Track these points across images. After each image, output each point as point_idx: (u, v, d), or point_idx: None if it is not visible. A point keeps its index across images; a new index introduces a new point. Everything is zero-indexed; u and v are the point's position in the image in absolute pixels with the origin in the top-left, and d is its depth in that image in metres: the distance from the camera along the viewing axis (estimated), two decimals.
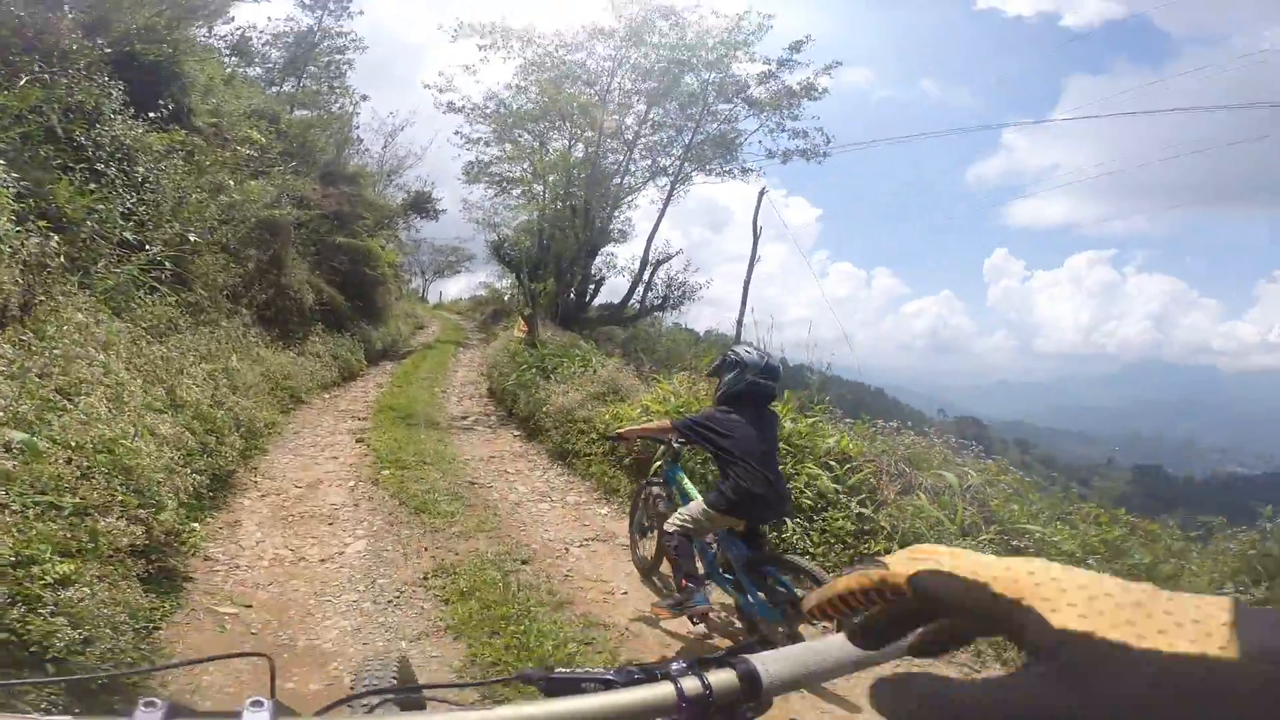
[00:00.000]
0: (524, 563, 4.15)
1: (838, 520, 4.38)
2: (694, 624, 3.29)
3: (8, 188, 3.88)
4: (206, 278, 7.64)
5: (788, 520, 4.39)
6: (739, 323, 11.99)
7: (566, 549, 4.60)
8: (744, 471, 3.02)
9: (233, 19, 12.97)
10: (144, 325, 5.49)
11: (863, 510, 4.43)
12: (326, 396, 9.56)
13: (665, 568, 3.69)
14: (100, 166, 5.82)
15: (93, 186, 5.56)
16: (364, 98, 23.31)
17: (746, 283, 12.80)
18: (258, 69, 18.60)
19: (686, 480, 3.63)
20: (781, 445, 4.34)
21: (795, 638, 2.84)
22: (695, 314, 18.19)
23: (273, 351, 8.87)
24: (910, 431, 5.82)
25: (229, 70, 13.80)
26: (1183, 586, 3.42)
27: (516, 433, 8.38)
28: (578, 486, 6.27)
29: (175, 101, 7.80)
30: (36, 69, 5.03)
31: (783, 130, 15.98)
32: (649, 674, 0.62)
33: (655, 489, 3.89)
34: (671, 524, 3.23)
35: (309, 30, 21.96)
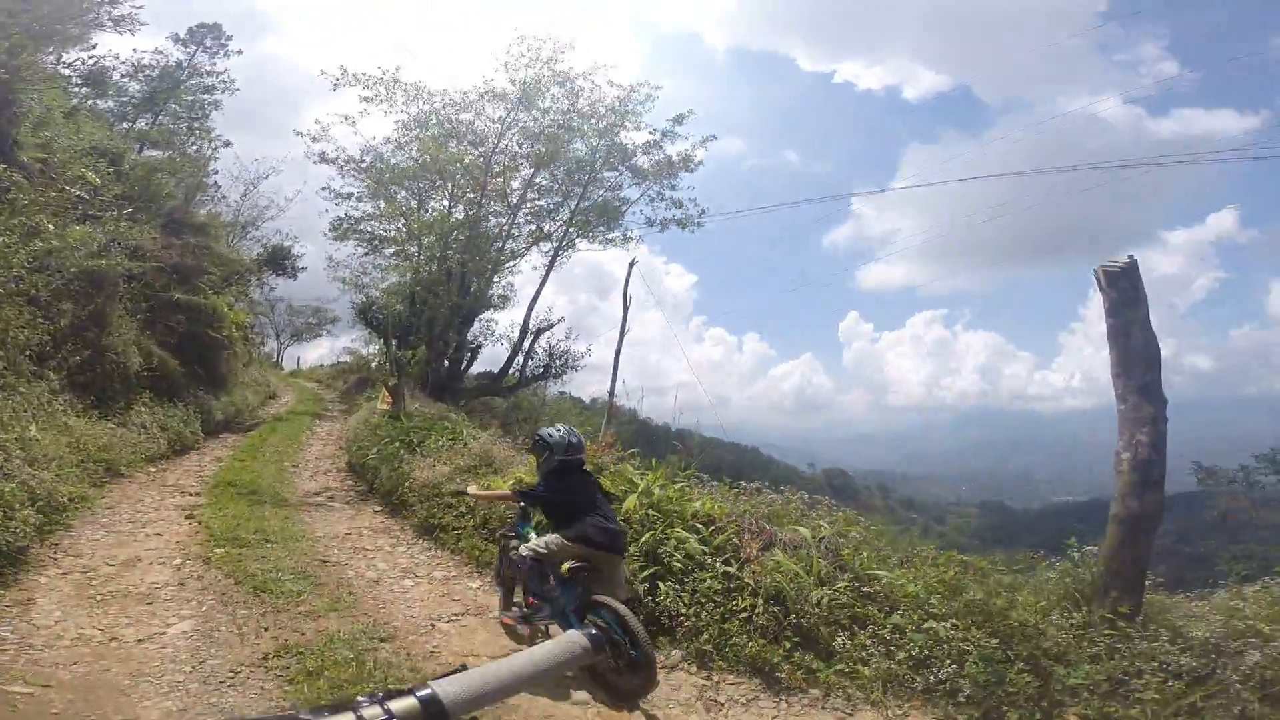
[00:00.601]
0: (383, 640, 3.86)
1: (706, 580, 4.49)
2: (535, 638, 3.73)
3: None
4: (4, 334, 6.64)
5: (661, 584, 4.50)
6: (610, 393, 12.17)
7: (433, 625, 4.33)
8: (592, 517, 3.70)
9: (94, 46, 11.75)
10: None
11: (728, 569, 4.59)
12: (152, 470, 8.53)
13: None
14: None
15: None
16: (226, 143, 21.90)
17: (617, 352, 13.11)
18: (110, 102, 16.87)
19: (532, 531, 4.12)
20: (651, 511, 5.08)
21: (620, 670, 3.30)
22: (580, 381, 18.15)
23: (85, 421, 7.93)
24: (769, 490, 6.18)
25: (75, 101, 12.44)
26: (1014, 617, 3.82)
27: (378, 509, 7.85)
28: (446, 561, 5.94)
29: None
30: None
31: (662, 199, 16.70)
32: (334, 708, 0.63)
33: (512, 539, 4.32)
34: (526, 550, 3.77)
35: (177, 65, 20.41)
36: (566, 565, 3.58)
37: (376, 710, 0.62)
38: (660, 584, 4.56)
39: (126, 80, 18.13)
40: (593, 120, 15.53)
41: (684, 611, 4.33)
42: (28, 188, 7.52)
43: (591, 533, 3.64)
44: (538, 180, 16.46)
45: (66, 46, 10.23)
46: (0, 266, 6.38)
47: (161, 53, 20.78)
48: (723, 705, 3.64)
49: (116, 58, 16.15)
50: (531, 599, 3.77)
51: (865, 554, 4.83)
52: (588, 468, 4.23)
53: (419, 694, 0.64)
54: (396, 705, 0.63)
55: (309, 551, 5.70)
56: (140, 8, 10.49)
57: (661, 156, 16.27)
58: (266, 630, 3.81)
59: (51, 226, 7.57)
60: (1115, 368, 4.04)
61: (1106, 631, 3.64)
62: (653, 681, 3.29)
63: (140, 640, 3.59)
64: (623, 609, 3.41)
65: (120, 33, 10.55)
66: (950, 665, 3.70)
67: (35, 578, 4.30)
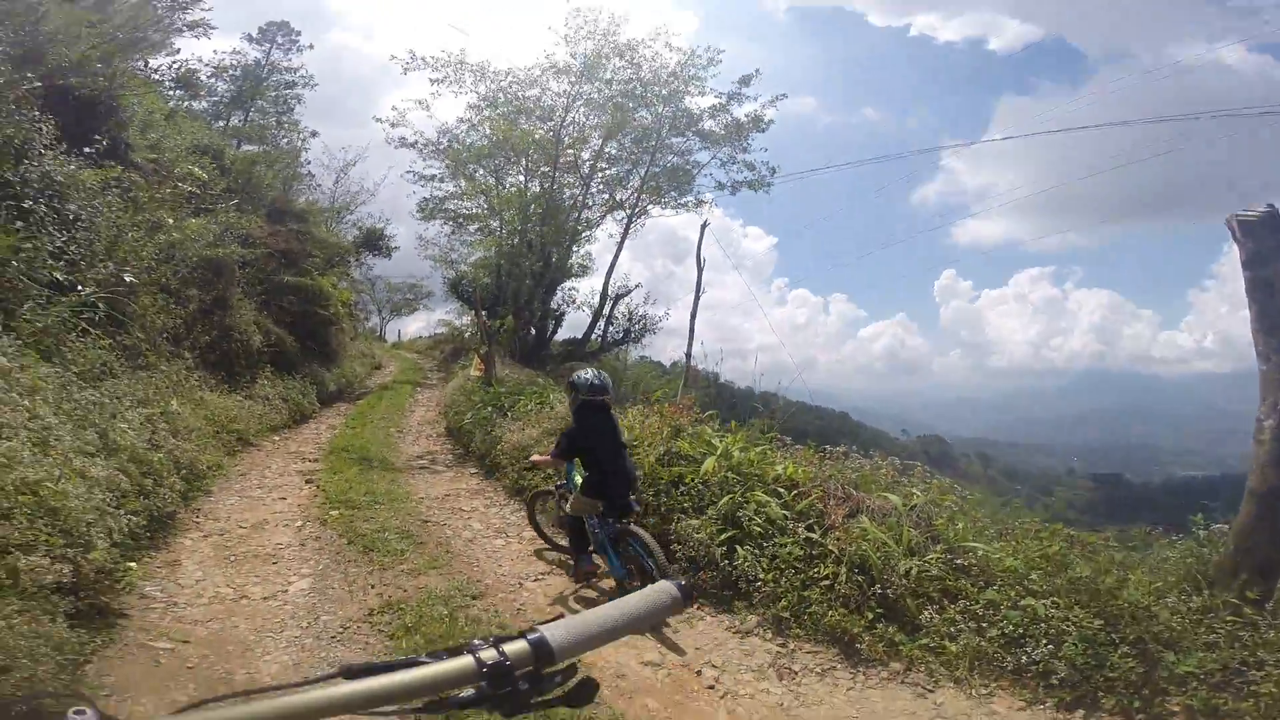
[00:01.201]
0: (474, 598, 4.11)
1: (787, 546, 4.44)
2: (581, 581, 4.48)
3: None
4: (144, 319, 7.38)
5: (739, 548, 4.50)
6: (687, 355, 12.14)
7: (520, 583, 4.56)
8: (596, 465, 4.32)
9: (178, 50, 12.76)
10: (75, 370, 5.28)
11: (810, 535, 4.51)
12: (276, 439, 9.31)
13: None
14: (28, 204, 5.62)
15: (19, 225, 5.37)
16: (313, 133, 23.29)
17: (693, 314, 13.01)
18: (203, 103, 18.33)
19: (578, 475, 4.66)
20: (730, 474, 5.07)
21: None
22: (659, 345, 18.36)
23: (218, 395, 8.64)
24: (857, 455, 5.97)
25: (172, 104, 13.56)
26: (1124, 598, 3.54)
27: (473, 471, 8.27)
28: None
29: (111, 137, 7.60)
30: None
31: (734, 162, 16.46)
32: (453, 651, 0.68)
33: (546, 494, 5.32)
34: (565, 511, 4.62)
35: (256, 64, 21.86)
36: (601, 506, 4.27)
37: (492, 653, 0.67)
38: (739, 548, 4.56)
39: (213, 81, 19.58)
40: (656, 87, 15.40)
41: (762, 576, 4.31)
42: (145, 186, 8.24)
43: (601, 485, 4.28)
44: (607, 150, 16.54)
45: (152, 53, 11.04)
46: (134, 259, 7.06)
47: (239, 53, 22.32)
48: (797, 673, 3.62)
49: (200, 60, 17.40)
50: (575, 550, 4.53)
51: (961, 524, 4.59)
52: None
53: (529, 637, 0.69)
54: (510, 648, 0.68)
55: (412, 512, 6.09)
56: (210, 10, 11.12)
57: (730, 119, 15.93)
58: (373, 588, 4.14)
59: (171, 220, 8.31)
60: (1255, 324, 3.62)
61: (1229, 618, 3.31)
62: None
63: (265, 598, 3.95)
64: (649, 538, 4.08)
65: (195, 37, 11.30)
66: (1046, 645, 3.49)
67: (181, 540, 4.78)
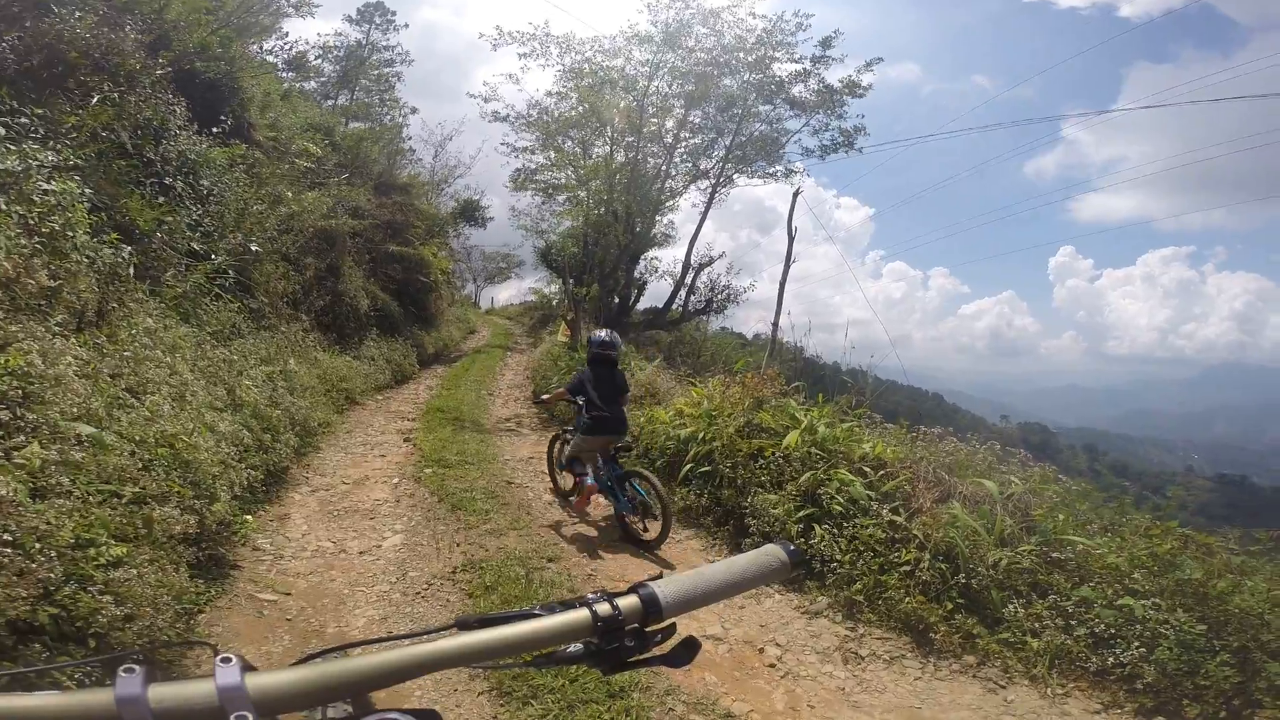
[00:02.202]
0: (551, 561, 4.25)
1: (868, 528, 4.29)
2: (588, 500, 5.25)
3: (84, 202, 4.14)
4: (267, 285, 8.05)
5: (817, 527, 4.43)
6: (774, 325, 11.85)
7: (594, 550, 4.67)
8: (596, 407, 4.93)
9: (286, 34, 13.77)
10: (209, 330, 5.84)
11: (895, 518, 4.33)
12: (379, 398, 9.94)
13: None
14: (168, 180, 6.20)
15: (161, 199, 5.93)
16: (413, 110, 24.43)
17: (782, 284, 12.67)
18: (312, 83, 19.65)
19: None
20: (814, 450, 5.10)
21: (643, 523, 4.83)
22: (742, 317, 18.27)
23: (329, 355, 9.30)
24: (953, 437, 5.63)
25: (285, 85, 14.59)
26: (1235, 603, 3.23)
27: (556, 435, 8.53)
28: None
29: (234, 116, 8.22)
30: (106, 88, 5.27)
31: (827, 129, 15.85)
32: (569, 605, 0.71)
33: (565, 436, 5.67)
34: (568, 450, 5.30)
35: (358, 44, 23.12)
36: (613, 446, 4.96)
37: (605, 606, 0.70)
38: (816, 526, 4.46)
39: (319, 62, 20.87)
40: (740, 54, 14.89)
41: (838, 558, 4.20)
42: (266, 163, 8.95)
43: (600, 426, 4.93)
44: (691, 119, 16.38)
45: (264, 36, 11.82)
46: (259, 230, 7.71)
47: (341, 34, 23.67)
48: (863, 659, 3.51)
49: (306, 43, 18.58)
50: (577, 477, 5.21)
51: (1062, 516, 4.26)
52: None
53: (640, 592, 0.72)
54: (622, 601, 0.71)
55: (498, 473, 6.35)
56: None
57: (821, 85, 15.20)
58: (458, 545, 4.34)
59: (290, 194, 8.99)
60: None
61: None
62: (667, 533, 4.66)
63: (361, 552, 4.17)
64: (652, 477, 4.74)
65: (302, 17, 12.01)
66: (1138, 648, 3.23)
67: (292, 494, 5.09)
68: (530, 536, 4.68)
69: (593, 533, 5.04)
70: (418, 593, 3.66)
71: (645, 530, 4.82)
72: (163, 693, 0.53)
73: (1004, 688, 3.28)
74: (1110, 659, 3.28)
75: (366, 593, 3.62)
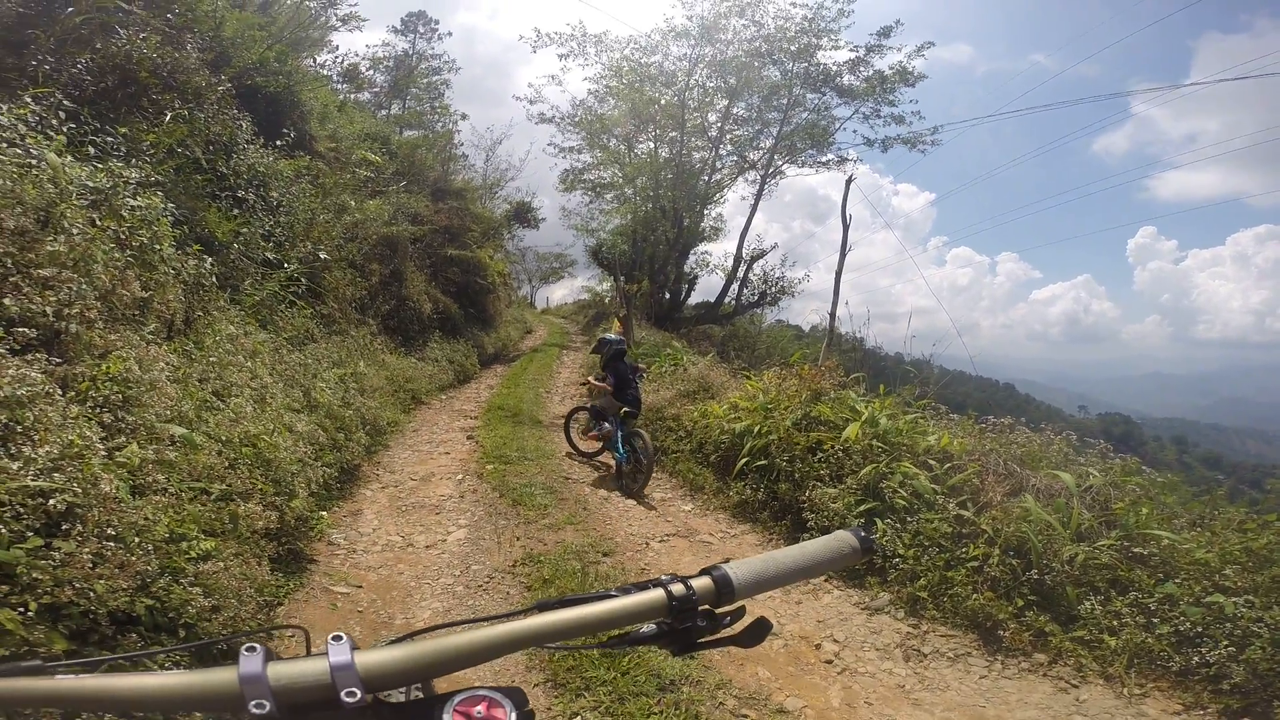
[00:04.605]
0: (606, 555, 4.31)
1: (933, 522, 4.16)
2: (600, 442, 6.82)
3: (167, 216, 4.40)
4: (336, 291, 8.44)
5: (879, 521, 4.36)
6: (831, 316, 11.55)
7: (646, 543, 4.72)
8: (620, 386, 6.43)
9: (336, 47, 14.39)
10: (285, 335, 6.17)
11: (962, 512, 4.18)
12: (443, 397, 10.29)
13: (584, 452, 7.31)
14: (240, 193, 6.56)
15: (236, 212, 6.28)
16: (463, 116, 25.06)
17: (838, 274, 12.34)
18: (366, 94, 20.45)
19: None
20: (875, 442, 5.08)
21: (635, 474, 6.05)
22: (798, 309, 17.97)
23: (396, 357, 9.67)
24: (1025, 428, 5.38)
25: (341, 97, 15.24)
26: None
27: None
28: (664, 483, 6.38)
29: (296, 129, 8.59)
30: (176, 106, 5.53)
31: (879, 116, 15.41)
32: (643, 586, 0.73)
33: (581, 412, 7.65)
34: (594, 405, 6.89)
35: (405, 54, 23.93)
36: (621, 410, 6.34)
37: (680, 586, 0.72)
38: (878, 521, 4.36)
39: (371, 73, 21.67)
40: (783, 44, 14.60)
41: (902, 553, 4.09)
42: (329, 173, 9.36)
43: (626, 398, 6.41)
44: (734, 111, 16.22)
45: (316, 50, 12.31)
46: (326, 238, 8.10)
47: (389, 45, 24.51)
48: (926, 656, 3.40)
49: (357, 55, 19.33)
50: (594, 434, 6.84)
51: (1145, 510, 4.00)
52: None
53: (713, 573, 0.74)
54: (695, 582, 0.73)
55: (556, 470, 6.49)
56: (356, 3, 12.20)
57: (871, 72, 14.85)
58: (518, 540, 4.46)
59: (353, 203, 9.39)
60: None
61: None
62: (647, 480, 5.93)
63: (428, 546, 4.32)
64: (646, 436, 5.98)
65: (349, 30, 12.45)
66: (1226, 647, 3.02)
67: (363, 491, 5.30)
68: (587, 531, 4.76)
69: (647, 529, 5.08)
70: (480, 586, 3.77)
71: (635, 484, 5.99)
72: (280, 670, 0.57)
73: (1076, 686, 3.12)
74: (1195, 658, 3.08)
75: (432, 585, 3.76)
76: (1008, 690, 3.12)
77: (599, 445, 6.98)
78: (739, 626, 0.75)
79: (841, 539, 0.82)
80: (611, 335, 7.03)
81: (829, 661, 3.32)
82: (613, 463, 6.45)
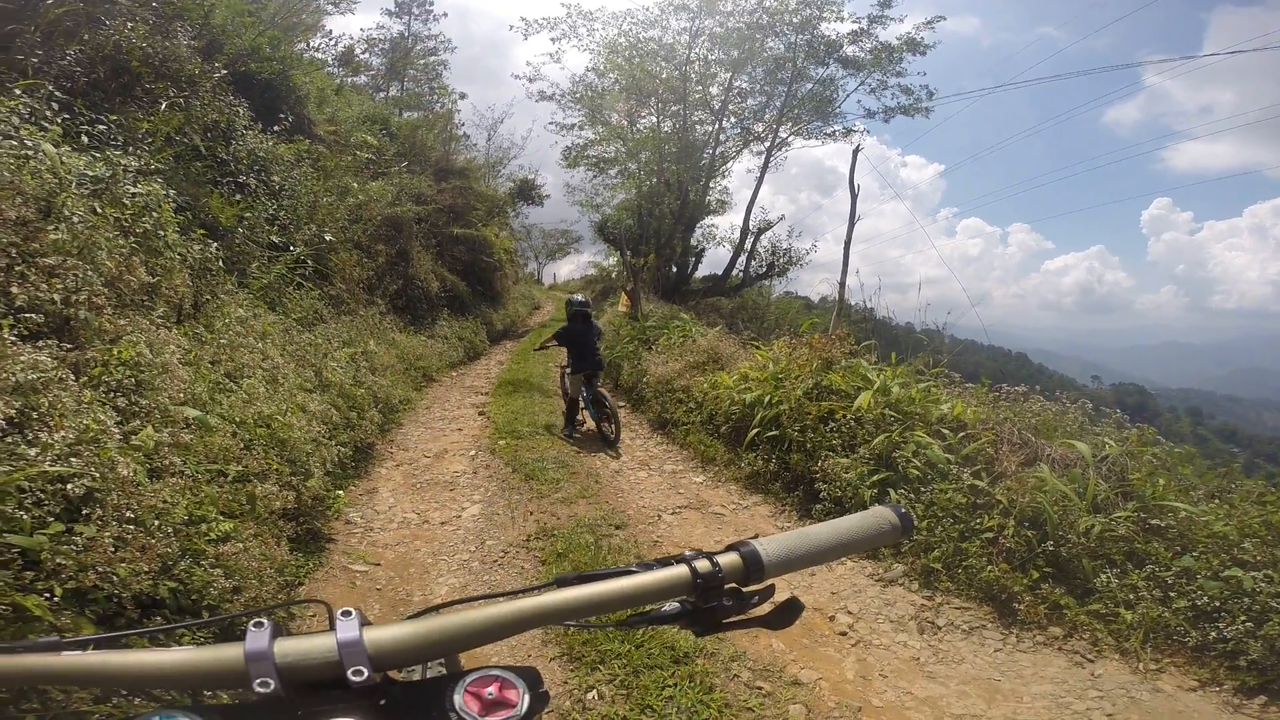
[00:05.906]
0: (618, 528, 4.33)
1: (947, 492, 4.13)
2: (580, 423, 7.11)
3: (169, 202, 4.39)
4: (344, 272, 8.46)
5: (892, 492, 4.36)
6: (841, 285, 11.45)
7: (659, 516, 4.74)
8: (577, 351, 6.77)
9: (329, 31, 14.23)
10: (294, 317, 6.20)
11: (976, 482, 4.15)
12: (454, 374, 10.36)
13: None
14: (242, 178, 6.55)
15: (238, 197, 6.28)
16: (462, 95, 24.83)
17: (846, 244, 12.18)
18: (363, 77, 20.26)
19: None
20: (888, 411, 5.03)
21: (605, 427, 6.69)
22: (808, 280, 17.85)
23: (405, 335, 9.72)
24: (1040, 397, 5.31)
25: (337, 81, 15.09)
26: None
27: (621, 403, 8.62)
28: (675, 455, 6.39)
29: (294, 113, 8.54)
30: (170, 94, 5.51)
31: (885, 88, 15.23)
32: (666, 562, 0.70)
33: (566, 367, 7.40)
34: (564, 385, 7.36)
35: (401, 36, 23.63)
36: (588, 377, 6.75)
37: (705, 563, 0.69)
38: (891, 491, 4.35)
39: (366, 56, 21.43)
40: (784, 15, 14.30)
41: (915, 524, 4.08)
42: (330, 156, 9.31)
43: (583, 365, 6.74)
44: (737, 84, 16.03)
45: (309, 35, 12.13)
46: (331, 221, 8.09)
47: (384, 27, 24.09)
48: (940, 629, 3.40)
49: (351, 38, 19.03)
50: (569, 404, 7.10)
51: (1162, 481, 3.95)
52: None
53: (742, 549, 0.71)
54: (722, 559, 0.70)
55: (566, 443, 6.51)
56: None
57: (876, 43, 14.59)
58: (531, 514, 4.49)
59: (355, 185, 9.36)
60: None
61: None
62: (618, 432, 6.61)
63: (443, 522, 4.36)
64: (606, 395, 6.67)
65: (343, 13, 12.23)
66: (1244, 622, 2.98)
67: (378, 469, 5.36)
68: (599, 504, 4.78)
69: (659, 501, 5.10)
70: (495, 560, 3.81)
71: (610, 433, 6.60)
72: (287, 646, 0.56)
73: (1091, 661, 3.11)
74: (1212, 633, 3.05)
75: (448, 561, 3.80)
76: (1022, 664, 3.12)
77: (584, 419, 7.28)
78: (767, 606, 0.72)
79: (880, 515, 0.78)
80: (578, 297, 7.35)
81: (843, 633, 3.34)
82: (591, 422, 6.99)
